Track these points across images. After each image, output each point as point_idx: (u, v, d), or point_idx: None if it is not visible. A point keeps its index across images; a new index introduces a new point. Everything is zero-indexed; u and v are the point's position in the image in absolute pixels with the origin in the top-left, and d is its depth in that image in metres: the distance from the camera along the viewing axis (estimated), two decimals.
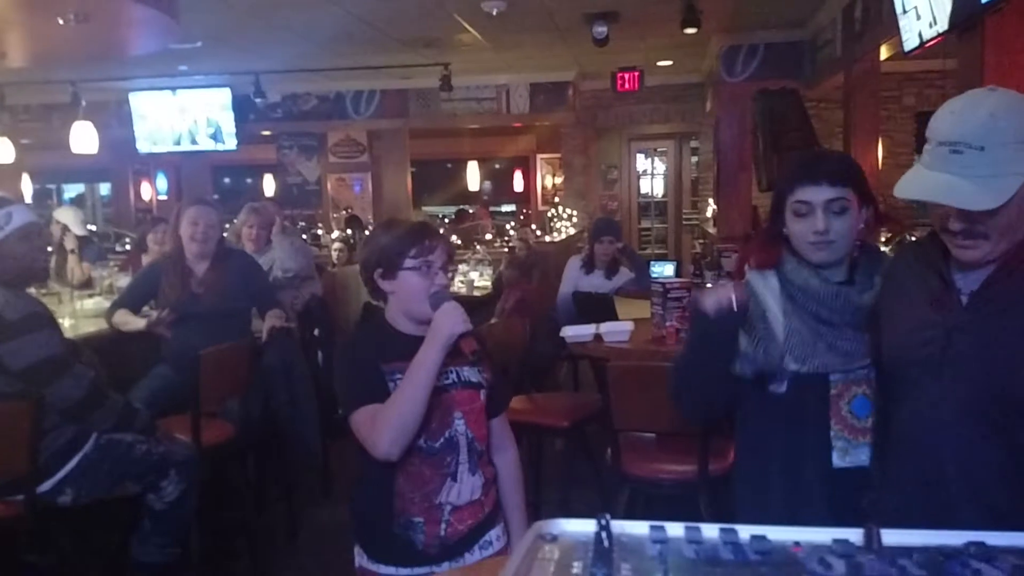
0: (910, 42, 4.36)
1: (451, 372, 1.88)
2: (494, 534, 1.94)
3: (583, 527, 0.88)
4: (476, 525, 1.89)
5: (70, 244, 5.23)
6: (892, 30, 4.70)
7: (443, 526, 1.85)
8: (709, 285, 1.79)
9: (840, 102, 7.20)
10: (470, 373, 1.92)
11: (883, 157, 7.18)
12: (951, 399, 1.45)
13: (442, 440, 1.85)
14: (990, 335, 1.43)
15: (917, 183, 1.45)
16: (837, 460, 1.70)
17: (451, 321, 1.80)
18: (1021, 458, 1.41)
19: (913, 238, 5.28)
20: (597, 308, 4.41)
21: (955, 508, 1.45)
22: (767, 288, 1.75)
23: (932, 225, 1.55)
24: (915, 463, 1.53)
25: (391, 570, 1.86)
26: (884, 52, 5.75)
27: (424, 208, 13.88)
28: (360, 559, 1.91)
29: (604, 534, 0.79)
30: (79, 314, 4.15)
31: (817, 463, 1.71)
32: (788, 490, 1.72)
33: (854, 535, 0.83)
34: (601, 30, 6.54)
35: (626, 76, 8.65)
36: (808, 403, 1.72)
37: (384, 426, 1.76)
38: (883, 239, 5.62)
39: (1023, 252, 1.43)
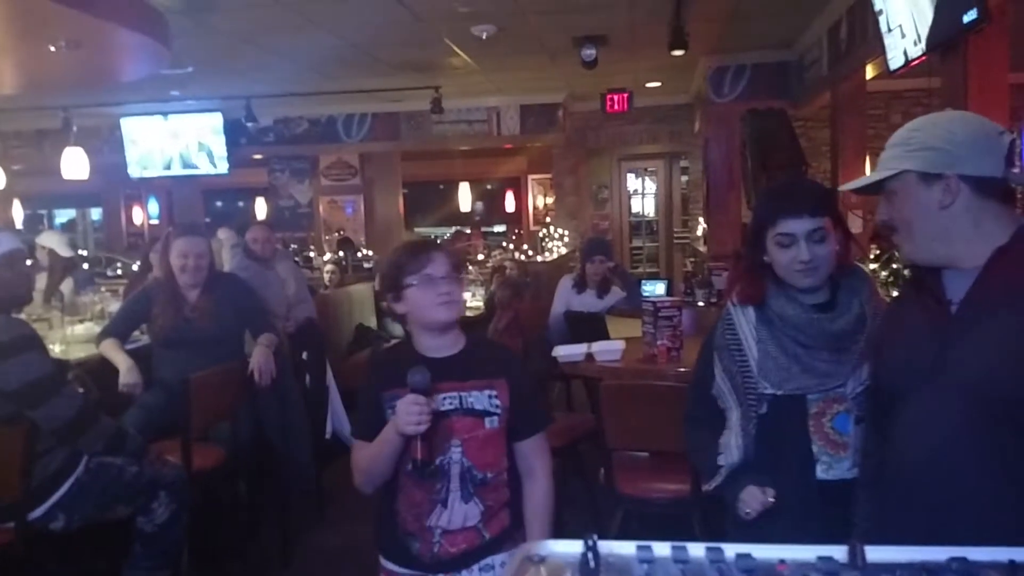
0: (895, 60, 4.41)
1: (454, 397, 1.85)
2: (499, 559, 1.88)
3: (571, 548, 0.89)
4: (471, 550, 1.86)
5: (58, 266, 5.22)
6: (877, 49, 4.76)
7: (436, 545, 1.87)
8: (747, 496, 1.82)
9: (827, 121, 7.27)
10: (476, 399, 1.86)
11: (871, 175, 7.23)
12: (944, 405, 1.47)
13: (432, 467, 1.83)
14: (979, 340, 1.46)
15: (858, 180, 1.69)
16: (821, 474, 1.81)
17: (404, 419, 1.74)
18: (1014, 462, 1.43)
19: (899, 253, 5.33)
20: (589, 327, 4.43)
21: (948, 515, 1.47)
22: (744, 318, 1.87)
23: None
24: (908, 471, 1.54)
25: (393, 567, 1.93)
26: (870, 71, 5.82)
27: (416, 229, 13.91)
28: (380, 556, 1.98)
29: (591, 555, 0.79)
30: (69, 339, 4.13)
31: (802, 478, 1.82)
32: (776, 505, 1.78)
33: (838, 552, 0.83)
34: (590, 53, 6.60)
35: (615, 97, 8.71)
36: (788, 423, 1.83)
37: (356, 467, 1.92)
38: (872, 255, 5.67)
39: (1004, 257, 1.47)
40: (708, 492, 1.93)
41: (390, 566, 1.93)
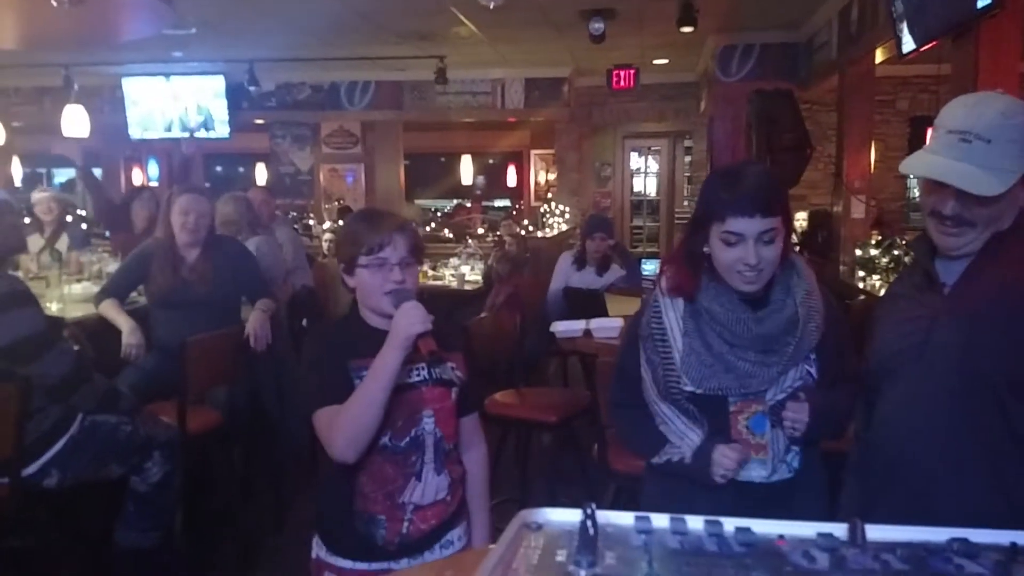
0: (907, 45, 4.37)
1: (421, 369, 1.83)
2: (455, 534, 1.89)
3: (568, 517, 0.88)
4: (439, 525, 1.85)
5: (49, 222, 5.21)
6: (888, 33, 4.72)
7: (406, 524, 1.81)
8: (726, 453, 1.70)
9: (834, 104, 7.22)
10: (442, 371, 1.86)
11: (875, 161, 7.21)
12: (932, 383, 1.51)
13: (408, 439, 1.80)
14: (970, 320, 1.49)
15: (926, 163, 1.53)
16: (732, 474, 1.70)
17: (407, 322, 1.71)
18: (999, 442, 1.45)
19: (903, 240, 5.33)
20: (587, 304, 4.43)
21: (934, 493, 1.49)
22: (672, 310, 1.76)
23: (921, 219, 1.61)
24: (895, 449, 1.56)
25: (348, 563, 1.82)
26: (880, 55, 5.77)
27: (417, 201, 13.86)
28: (318, 550, 1.88)
29: (589, 523, 0.79)
30: (67, 298, 4.12)
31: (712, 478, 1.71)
32: (702, 500, 1.66)
33: (839, 529, 0.83)
34: (598, 26, 6.53)
35: (622, 73, 8.65)
36: (707, 421, 1.72)
37: (340, 428, 1.73)
38: (874, 241, 5.67)
39: (1001, 244, 1.51)
40: (658, 465, 1.79)
41: (343, 562, 1.82)
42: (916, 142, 9.29)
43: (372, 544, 1.80)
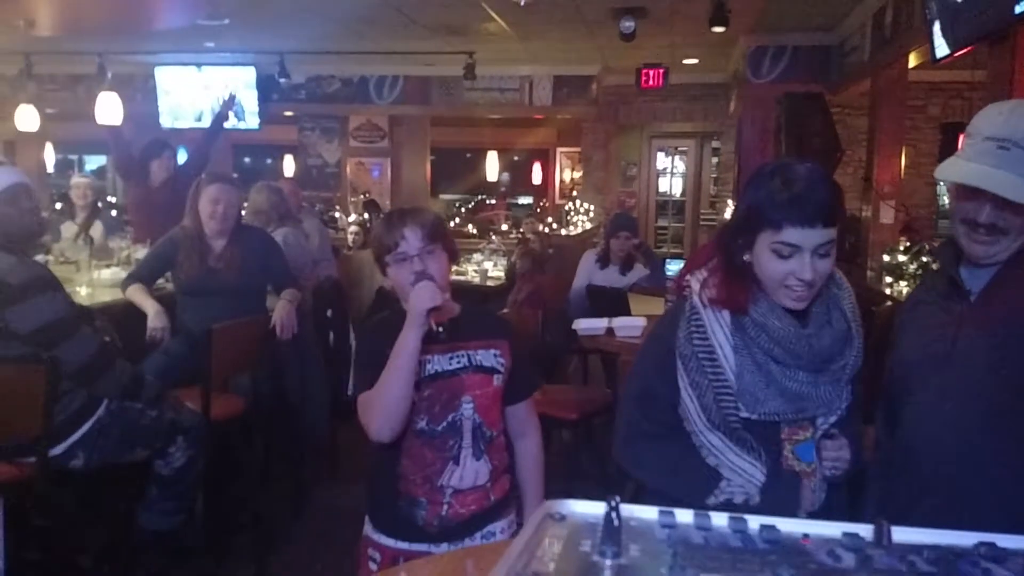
0: (941, 50, 4.32)
1: (462, 356, 1.87)
2: (499, 527, 1.91)
3: (592, 509, 0.88)
4: (480, 512, 1.87)
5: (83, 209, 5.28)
6: (922, 37, 4.66)
7: (445, 507, 1.85)
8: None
9: (865, 109, 7.16)
10: (484, 357, 1.89)
11: (906, 166, 7.13)
12: (959, 392, 1.49)
13: (445, 424, 1.84)
14: (996, 327, 1.48)
15: (963, 170, 1.50)
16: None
17: (418, 299, 1.75)
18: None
19: (931, 247, 5.27)
20: (610, 302, 4.42)
21: (960, 499, 1.48)
22: (718, 324, 1.57)
23: (950, 226, 1.59)
24: (923, 457, 1.55)
25: (391, 542, 1.88)
26: (913, 60, 5.70)
27: (442, 196, 13.90)
28: (366, 528, 1.94)
29: (614, 515, 0.79)
30: (96, 283, 4.18)
31: None
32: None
33: (864, 530, 0.83)
34: (629, 25, 6.51)
35: (651, 73, 8.61)
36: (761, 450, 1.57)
37: (372, 408, 1.81)
38: (903, 247, 5.61)
39: None
40: (715, 507, 1.49)
41: (387, 540, 1.88)
42: (947, 148, 9.16)
43: (413, 524, 1.85)
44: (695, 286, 1.61)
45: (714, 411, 1.54)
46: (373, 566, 1.89)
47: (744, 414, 1.53)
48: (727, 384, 1.53)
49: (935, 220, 9.50)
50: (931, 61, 4.59)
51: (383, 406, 1.79)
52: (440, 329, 1.78)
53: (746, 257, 1.55)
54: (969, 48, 4.07)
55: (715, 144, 11.93)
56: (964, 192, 1.50)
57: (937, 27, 4.30)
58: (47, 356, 2.53)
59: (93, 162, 15.85)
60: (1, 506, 2.56)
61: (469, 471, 1.86)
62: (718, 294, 1.56)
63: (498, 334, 1.94)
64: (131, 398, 2.79)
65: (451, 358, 1.85)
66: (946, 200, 9.49)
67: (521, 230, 9.01)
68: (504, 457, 1.94)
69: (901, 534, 0.81)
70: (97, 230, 5.30)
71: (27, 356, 2.53)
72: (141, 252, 4.64)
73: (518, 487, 1.98)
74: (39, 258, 4.07)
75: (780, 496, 1.51)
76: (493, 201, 13.82)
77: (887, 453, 1.70)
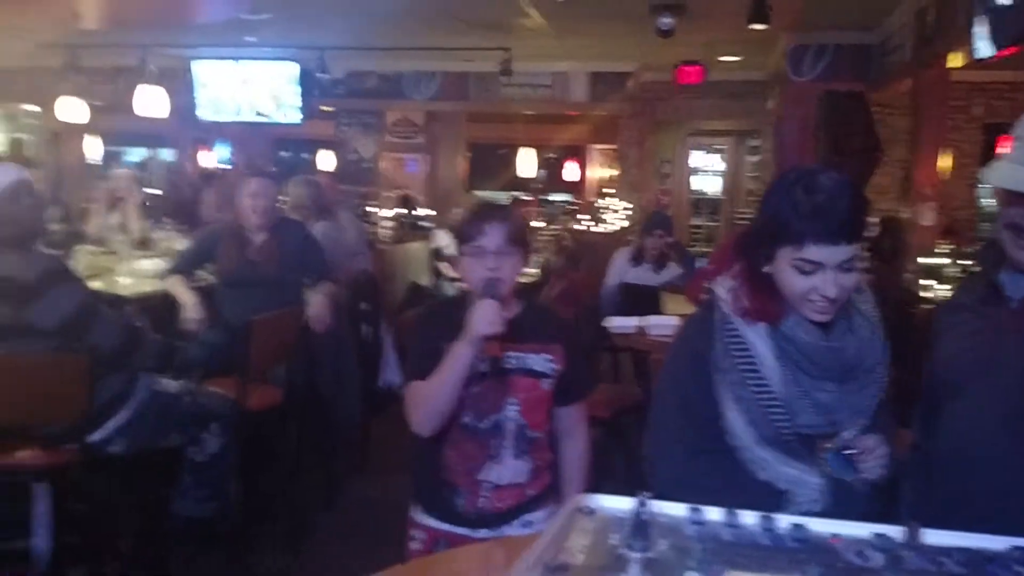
0: (984, 49, 4.24)
1: (513, 358, 1.88)
2: (538, 516, 1.92)
3: (621, 504, 0.89)
4: (516, 506, 1.90)
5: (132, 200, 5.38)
6: (965, 37, 4.58)
7: (483, 499, 1.88)
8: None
9: (907, 108, 7.04)
10: (535, 361, 1.90)
11: (947, 168, 7.01)
12: (998, 401, 1.46)
13: (488, 422, 1.86)
14: None
15: (1013, 174, 1.45)
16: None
17: (479, 321, 1.76)
18: None
19: (972, 250, 5.18)
20: (643, 301, 4.41)
21: (997, 507, 1.45)
22: (754, 334, 1.51)
23: (992, 229, 1.55)
24: (963, 463, 1.52)
25: (432, 522, 1.92)
26: (955, 60, 5.60)
27: (476, 192, 13.93)
28: (412, 510, 1.98)
29: (643, 509, 0.80)
30: (137, 274, 4.26)
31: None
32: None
33: (895, 531, 0.82)
34: (667, 21, 6.46)
35: (688, 70, 8.55)
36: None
37: (418, 404, 1.86)
38: (943, 250, 5.53)
39: None
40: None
41: (430, 521, 1.93)
42: (990, 149, 8.99)
43: (453, 510, 1.89)
44: (723, 295, 1.56)
45: (763, 424, 1.49)
46: (415, 544, 1.94)
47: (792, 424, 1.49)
48: (773, 395, 1.48)
49: (977, 222, 9.32)
50: (974, 61, 4.51)
51: (427, 405, 1.84)
52: (486, 363, 1.80)
53: (766, 268, 1.50)
54: (1014, 49, 3.99)
55: (753, 142, 11.81)
56: (1011, 197, 1.46)
57: (981, 27, 4.22)
58: (76, 347, 2.55)
59: (135, 154, 16.12)
60: (47, 491, 2.62)
61: (508, 469, 1.88)
62: (751, 306, 1.51)
63: (554, 338, 1.94)
64: (166, 367, 2.82)
65: (504, 358, 1.86)
66: (987, 202, 9.33)
67: (555, 227, 9.01)
68: (547, 456, 1.95)
69: (932, 536, 0.81)
70: (137, 221, 5.39)
71: (56, 349, 2.55)
72: (181, 244, 4.72)
73: (558, 480, 1.99)
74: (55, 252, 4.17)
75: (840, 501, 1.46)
76: (527, 198, 13.82)
77: (923, 457, 1.67)
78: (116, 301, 3.06)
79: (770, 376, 1.49)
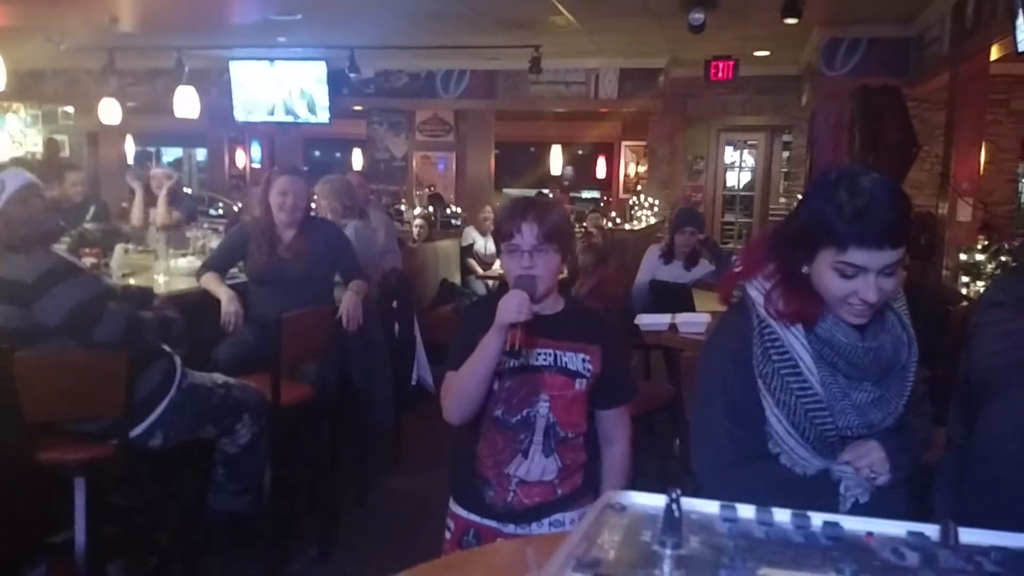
0: None
1: (549, 354, 1.88)
2: (569, 517, 1.92)
3: (652, 501, 0.89)
4: (544, 504, 1.90)
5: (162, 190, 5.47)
6: (1005, 29, 4.49)
7: (511, 494, 1.90)
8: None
9: (944, 103, 6.92)
10: (571, 360, 1.90)
11: (986, 163, 6.88)
12: None
13: (519, 417, 1.88)
14: None
15: None
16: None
17: (505, 309, 1.78)
18: None
19: (1010, 246, 5.08)
20: (674, 298, 4.38)
21: None
22: (793, 336, 1.49)
23: None
24: (1004, 464, 1.50)
25: (464, 513, 1.96)
26: (995, 53, 5.50)
27: (505, 190, 13.95)
28: (451, 502, 2.01)
29: (675, 507, 0.80)
30: (172, 271, 4.32)
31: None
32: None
33: (930, 530, 0.81)
34: (698, 16, 6.41)
35: (720, 65, 8.48)
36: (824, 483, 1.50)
37: (450, 392, 1.90)
38: (981, 246, 5.43)
39: None
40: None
41: (461, 511, 1.96)
42: None
43: (483, 502, 1.92)
44: (756, 298, 1.52)
45: (807, 428, 1.47)
46: (448, 534, 1.99)
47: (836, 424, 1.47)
48: (817, 397, 1.46)
49: (1017, 218, 9.14)
50: (1014, 54, 4.42)
51: (457, 393, 1.88)
52: (517, 350, 1.79)
53: (804, 269, 1.47)
54: None
55: (786, 138, 11.69)
56: None
57: (1021, 19, 4.14)
58: (82, 342, 2.57)
59: (170, 154, 16.38)
60: (82, 486, 2.68)
61: (536, 466, 1.89)
62: (786, 308, 1.47)
63: (593, 339, 1.93)
64: (167, 339, 2.84)
65: (538, 354, 1.88)
66: None
67: (584, 224, 8.99)
68: (580, 456, 1.94)
69: (968, 535, 0.80)
70: (175, 218, 5.48)
71: (68, 347, 2.58)
72: (215, 241, 4.78)
73: (596, 483, 1.98)
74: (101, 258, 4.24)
75: None
76: (557, 195, 13.81)
77: (958, 454, 1.65)
78: (146, 294, 3.08)
79: (811, 378, 1.47)
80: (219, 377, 3.09)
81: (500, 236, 1.94)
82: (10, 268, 2.56)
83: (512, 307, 1.77)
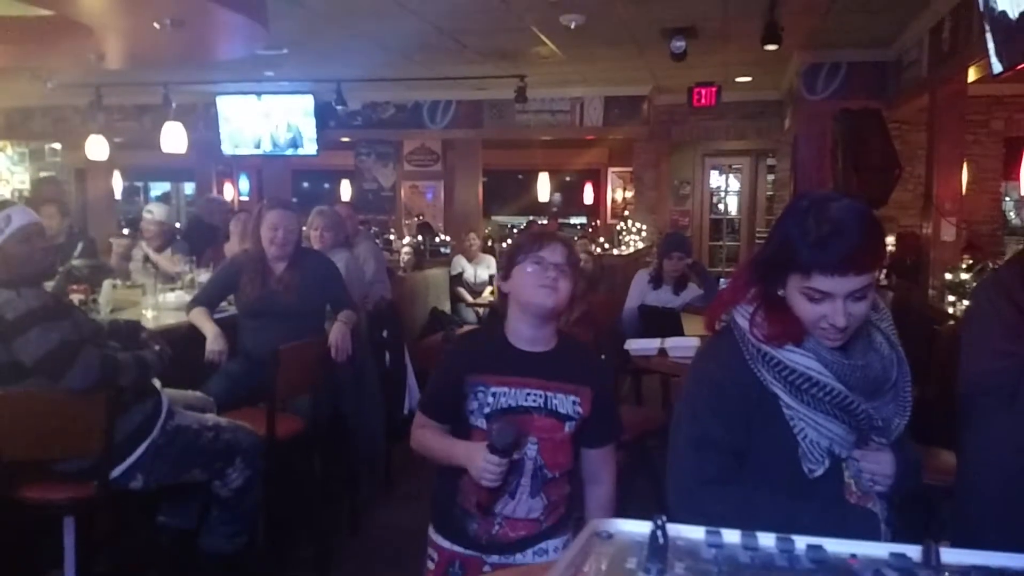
0: (996, 65, 4.23)
1: (539, 396, 1.86)
2: (553, 544, 1.91)
3: (639, 528, 0.90)
4: (529, 536, 1.90)
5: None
6: (981, 51, 4.57)
7: (496, 528, 1.89)
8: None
9: (924, 124, 7.01)
10: (561, 402, 1.87)
11: (968, 183, 6.95)
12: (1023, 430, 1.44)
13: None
14: None
15: None
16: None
17: (478, 472, 1.77)
18: None
19: (994, 265, 5.13)
20: (663, 323, 4.40)
21: None
22: (788, 351, 1.48)
23: (1015, 244, 1.54)
24: (990, 488, 1.51)
25: (447, 543, 1.93)
26: (972, 74, 5.59)
27: (494, 218, 14.00)
28: (430, 527, 2.00)
29: (660, 533, 0.80)
30: (161, 306, 4.31)
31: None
32: None
33: (912, 551, 0.82)
34: (679, 45, 6.50)
35: (703, 91, 8.57)
36: (830, 482, 1.50)
37: (416, 439, 1.97)
38: (965, 265, 5.47)
39: None
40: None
41: (444, 542, 1.94)
42: (1011, 164, 8.92)
43: (466, 534, 1.90)
44: (743, 324, 1.52)
45: (848, 419, 1.46)
46: (430, 564, 1.96)
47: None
48: (841, 392, 1.44)
49: (1002, 237, 9.23)
50: (991, 75, 4.49)
51: (425, 452, 1.95)
52: (481, 509, 1.87)
53: (780, 292, 1.48)
54: None
55: (770, 161, 11.81)
56: None
57: (990, 44, 4.21)
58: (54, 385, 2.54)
59: (158, 188, 16.38)
60: (71, 525, 2.65)
61: (523, 506, 1.87)
62: (771, 330, 1.48)
63: (585, 380, 1.91)
64: (147, 377, 2.78)
65: (528, 394, 1.85)
66: (1012, 216, 9.24)
67: (578, 243, 9.02)
68: (563, 491, 1.92)
69: (950, 555, 0.81)
70: (167, 257, 5.47)
71: (44, 387, 2.56)
72: (204, 276, 4.78)
73: (580, 508, 1.97)
74: (106, 283, 4.23)
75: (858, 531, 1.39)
76: (545, 222, 13.88)
77: (965, 472, 1.65)
78: (134, 328, 3.06)
79: (829, 380, 1.45)
80: (210, 418, 3.04)
81: (523, 251, 1.88)
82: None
83: (488, 476, 1.76)
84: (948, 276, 5.48)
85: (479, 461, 1.75)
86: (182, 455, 2.84)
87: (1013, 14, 3.81)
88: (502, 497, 1.86)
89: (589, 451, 1.95)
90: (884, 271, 6.12)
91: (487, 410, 1.84)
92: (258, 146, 10.32)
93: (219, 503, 3.00)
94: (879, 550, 0.84)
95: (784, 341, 1.46)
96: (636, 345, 3.97)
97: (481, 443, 1.78)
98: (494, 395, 1.83)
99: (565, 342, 1.96)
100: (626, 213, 11.61)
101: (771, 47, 5.94)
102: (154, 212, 5.70)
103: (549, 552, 1.91)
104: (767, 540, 0.87)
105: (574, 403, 1.87)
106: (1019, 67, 4.03)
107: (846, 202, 1.43)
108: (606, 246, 10.08)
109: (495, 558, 1.89)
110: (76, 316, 2.76)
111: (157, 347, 2.90)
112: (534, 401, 1.85)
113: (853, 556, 0.83)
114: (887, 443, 1.50)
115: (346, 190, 13.10)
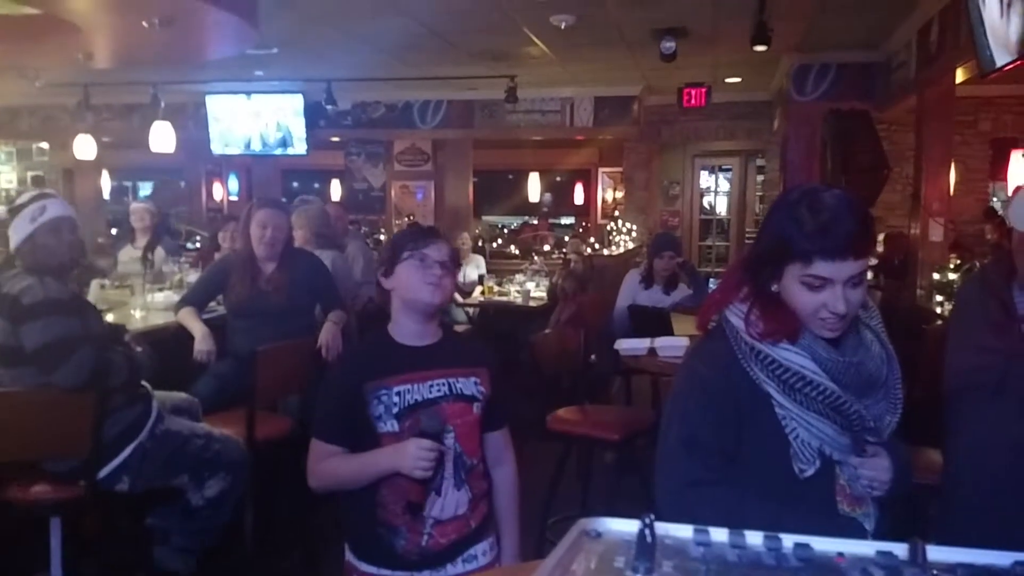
0: (986, 65, 4.25)
1: (442, 384, 1.86)
2: (480, 548, 1.91)
3: (627, 527, 0.90)
4: (459, 540, 1.87)
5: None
6: (969, 53, 4.60)
7: (425, 537, 1.83)
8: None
9: (912, 125, 7.05)
10: (464, 385, 1.88)
11: (956, 183, 6.99)
12: (1009, 425, 1.45)
13: None
14: None
15: None
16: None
17: (412, 464, 1.75)
18: None
19: (979, 265, 5.16)
20: (653, 322, 4.41)
21: (1017, 527, 1.44)
22: (784, 350, 1.48)
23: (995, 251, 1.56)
24: (976, 484, 1.52)
25: (372, 569, 1.86)
26: (960, 75, 5.62)
27: (484, 218, 13.99)
28: (348, 555, 1.93)
29: (648, 532, 0.80)
30: (149, 307, 4.30)
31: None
32: None
33: (899, 549, 0.83)
34: (669, 45, 6.52)
35: (693, 92, 8.60)
36: (818, 487, 1.50)
37: (320, 476, 1.87)
38: (952, 265, 5.51)
39: None
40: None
41: (368, 567, 1.86)
42: (998, 164, 8.99)
43: (392, 553, 1.83)
44: (738, 323, 1.52)
45: (839, 419, 1.47)
46: None
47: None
48: (834, 392, 1.45)
49: (987, 237, 9.28)
50: (979, 76, 4.52)
51: (330, 485, 1.87)
52: (413, 508, 1.82)
53: (774, 287, 1.49)
54: (1018, 62, 4.00)
55: (759, 162, 11.84)
56: None
57: (978, 45, 4.24)
58: (44, 378, 2.55)
59: (146, 187, 16.30)
60: (58, 525, 2.63)
61: (451, 501, 1.85)
62: (766, 328, 1.48)
63: (479, 362, 1.94)
64: (137, 380, 2.79)
65: (431, 386, 1.84)
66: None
67: (563, 250, 9.03)
68: (483, 484, 1.93)
69: (937, 553, 0.81)
70: (159, 255, 5.46)
71: (35, 381, 2.57)
72: (193, 276, 4.76)
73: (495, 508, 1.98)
74: (96, 283, 4.20)
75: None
76: (535, 222, 13.90)
77: (949, 471, 1.66)
78: (117, 331, 3.04)
79: (823, 380, 1.45)
80: (202, 427, 3.03)
81: (403, 247, 1.89)
82: (18, 286, 2.57)
83: (423, 463, 1.74)
84: (936, 276, 5.52)
85: (411, 451, 1.74)
86: (170, 460, 2.83)
87: (1000, 15, 3.83)
88: (429, 495, 1.83)
89: (492, 434, 1.97)
90: (872, 272, 6.14)
91: (395, 410, 1.81)
92: (248, 146, 10.29)
93: (187, 513, 2.96)
94: (866, 548, 0.84)
95: (780, 338, 1.47)
96: (626, 345, 3.97)
97: (406, 440, 1.77)
98: (399, 394, 1.81)
99: (449, 332, 2.01)
100: (616, 213, 11.63)
101: (760, 48, 5.96)
102: (143, 202, 5.70)
103: (479, 557, 1.90)
104: (755, 539, 0.87)
105: (476, 384, 1.90)
106: (1006, 68, 4.06)
107: (836, 191, 1.45)
108: (596, 246, 10.10)
109: (426, 574, 1.84)
110: (89, 316, 2.76)
111: (139, 348, 2.89)
112: (439, 391, 1.85)
113: (840, 555, 0.84)
114: (880, 443, 1.50)
115: (336, 190, 13.07)
